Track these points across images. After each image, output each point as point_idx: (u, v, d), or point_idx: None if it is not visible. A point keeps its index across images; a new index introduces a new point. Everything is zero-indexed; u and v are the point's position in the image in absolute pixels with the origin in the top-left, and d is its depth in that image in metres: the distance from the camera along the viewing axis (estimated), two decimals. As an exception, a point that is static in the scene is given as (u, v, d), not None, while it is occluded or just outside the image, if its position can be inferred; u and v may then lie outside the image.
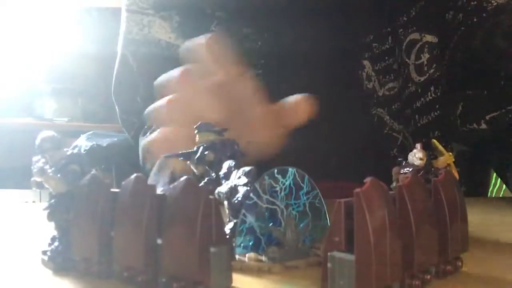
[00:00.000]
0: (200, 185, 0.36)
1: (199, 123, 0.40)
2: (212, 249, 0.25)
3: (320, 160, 0.64)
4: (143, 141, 0.47)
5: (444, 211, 0.29)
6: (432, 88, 0.61)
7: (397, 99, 0.63)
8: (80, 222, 0.30)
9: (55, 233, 0.32)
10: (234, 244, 0.32)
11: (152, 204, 0.27)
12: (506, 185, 0.71)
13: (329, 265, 0.25)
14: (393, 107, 0.63)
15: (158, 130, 0.46)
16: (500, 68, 0.60)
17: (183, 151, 0.39)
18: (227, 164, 0.34)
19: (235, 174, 0.33)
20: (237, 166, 0.33)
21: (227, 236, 0.31)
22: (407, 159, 0.35)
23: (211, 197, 0.26)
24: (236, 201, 0.32)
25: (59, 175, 0.31)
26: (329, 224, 0.33)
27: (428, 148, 0.35)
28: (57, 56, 2.34)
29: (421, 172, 0.34)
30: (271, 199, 0.32)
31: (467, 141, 0.65)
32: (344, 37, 0.64)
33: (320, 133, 0.66)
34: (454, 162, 0.35)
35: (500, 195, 1.47)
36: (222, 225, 0.27)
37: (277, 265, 0.32)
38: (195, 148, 0.39)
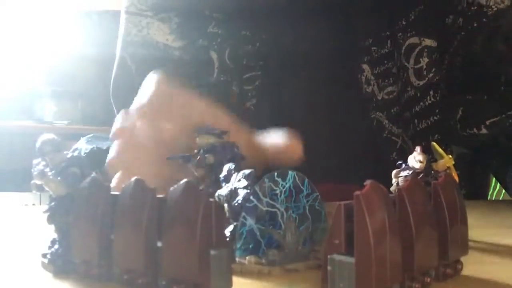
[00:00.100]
0: (200, 188, 0.36)
1: (197, 127, 0.40)
2: (212, 252, 0.25)
3: (319, 163, 0.64)
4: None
5: (444, 214, 0.29)
6: (431, 93, 0.61)
7: (396, 103, 0.63)
8: (80, 225, 0.30)
9: (55, 235, 0.32)
10: (234, 247, 0.32)
11: (152, 206, 0.27)
12: (505, 189, 0.71)
13: (329, 267, 0.25)
14: (392, 111, 0.63)
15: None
16: (500, 73, 0.61)
17: (183, 154, 0.40)
18: (227, 167, 0.34)
19: (235, 177, 0.33)
20: (237, 169, 0.33)
21: (227, 239, 0.31)
22: (406, 162, 0.35)
23: (211, 200, 0.26)
24: (236, 204, 0.32)
25: (59, 178, 0.31)
26: (329, 226, 0.33)
27: (428, 151, 0.35)
28: (57, 59, 2.34)
29: (421, 175, 0.34)
30: (271, 202, 0.32)
31: (466, 145, 0.65)
32: (343, 41, 0.64)
33: (319, 137, 0.66)
34: (454, 165, 0.35)
35: (500, 198, 1.47)
36: (222, 227, 0.27)
37: (277, 268, 0.32)
38: (195, 151, 0.39)
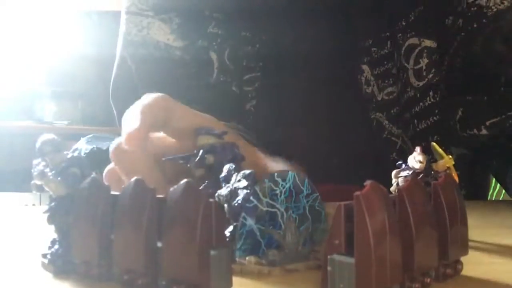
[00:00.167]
0: (200, 188, 0.36)
1: (197, 127, 0.40)
2: (212, 252, 0.25)
3: (319, 163, 0.64)
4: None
5: (444, 214, 0.29)
6: (431, 93, 0.61)
7: (396, 104, 0.63)
8: (80, 225, 0.30)
9: (55, 236, 0.32)
10: (234, 247, 0.32)
11: (152, 207, 0.27)
12: (505, 190, 0.71)
13: (329, 268, 0.25)
14: (392, 111, 0.63)
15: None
16: (500, 73, 0.61)
17: (182, 155, 0.39)
18: (227, 167, 0.34)
19: (235, 177, 0.33)
20: (237, 169, 0.33)
21: (227, 239, 0.31)
22: (406, 162, 0.35)
23: (211, 200, 0.26)
24: (236, 204, 0.32)
25: (59, 178, 0.31)
26: (329, 227, 0.33)
27: (427, 152, 0.35)
28: (57, 59, 2.34)
29: (421, 175, 0.34)
30: (271, 202, 0.32)
31: (466, 146, 0.65)
32: (343, 41, 0.64)
33: (319, 137, 0.66)
34: (454, 165, 0.35)
35: (500, 199, 1.47)
36: (222, 228, 0.27)
37: (277, 268, 0.32)
38: (195, 151, 0.39)
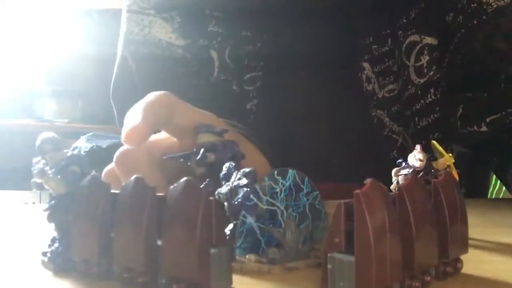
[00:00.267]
0: (201, 186, 0.36)
1: (198, 125, 0.40)
2: (212, 250, 0.25)
3: (320, 162, 0.64)
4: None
5: (444, 213, 0.29)
6: (432, 90, 0.61)
7: (396, 101, 0.63)
8: (80, 223, 0.30)
9: (55, 234, 0.32)
10: (234, 245, 0.32)
11: (152, 205, 0.27)
12: (506, 187, 0.71)
13: (329, 266, 0.25)
14: (393, 109, 0.63)
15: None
16: (501, 70, 0.60)
17: (182, 153, 0.39)
18: (227, 165, 0.34)
19: (235, 175, 0.33)
20: (237, 167, 0.33)
21: (227, 237, 0.31)
22: (406, 160, 0.35)
23: (211, 198, 0.26)
24: (236, 202, 0.32)
25: (59, 176, 0.31)
26: (329, 225, 0.33)
27: (428, 150, 0.35)
28: (57, 58, 2.34)
29: (421, 174, 0.34)
30: (271, 200, 0.32)
31: (467, 143, 0.65)
32: (343, 39, 0.64)
33: (319, 136, 0.66)
34: (454, 163, 0.35)
35: (500, 196, 1.47)
36: (222, 226, 0.27)
37: (277, 266, 0.32)
38: (194, 149, 0.39)
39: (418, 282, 0.27)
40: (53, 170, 0.31)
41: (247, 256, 0.32)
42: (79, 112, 2.37)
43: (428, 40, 0.60)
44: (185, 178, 0.26)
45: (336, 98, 0.66)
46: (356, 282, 0.24)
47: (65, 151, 0.32)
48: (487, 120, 0.60)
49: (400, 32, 0.62)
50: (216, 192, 0.32)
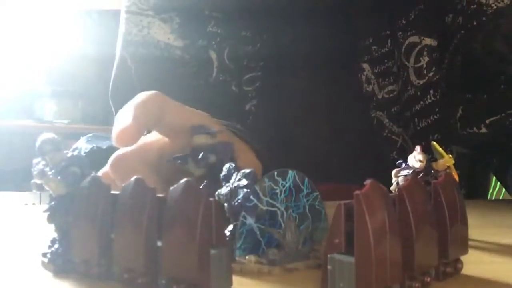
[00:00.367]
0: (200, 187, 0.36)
1: (193, 125, 0.40)
2: (212, 251, 0.25)
3: (319, 163, 0.64)
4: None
5: (444, 213, 0.29)
6: (431, 91, 0.61)
7: (396, 102, 0.63)
8: (80, 224, 0.30)
9: (55, 235, 0.32)
10: (234, 246, 0.32)
11: (152, 206, 0.27)
12: (505, 188, 0.71)
13: (329, 267, 0.25)
14: (393, 110, 0.63)
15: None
16: (500, 71, 0.61)
17: (179, 155, 0.39)
18: (227, 166, 0.34)
19: (235, 176, 0.33)
20: (237, 168, 0.33)
21: (227, 238, 0.31)
22: (406, 161, 0.35)
23: (211, 199, 0.26)
24: (236, 203, 0.32)
25: (59, 177, 0.31)
26: (329, 226, 0.33)
27: (428, 151, 0.35)
28: (57, 58, 2.34)
29: (421, 175, 0.34)
30: (271, 201, 0.32)
31: (466, 144, 0.65)
32: (343, 40, 0.64)
33: (319, 137, 0.66)
34: (454, 164, 0.35)
35: (500, 197, 1.47)
36: (222, 227, 0.27)
37: (277, 267, 0.32)
38: (190, 151, 0.38)
39: (418, 283, 0.27)
40: (53, 171, 0.31)
41: (247, 257, 0.32)
42: (79, 113, 2.37)
43: (428, 41, 0.60)
44: (185, 179, 0.26)
45: (335, 99, 0.66)
46: (356, 283, 0.24)
47: (65, 152, 0.32)
48: (487, 121, 0.60)
49: (400, 33, 0.62)
50: (216, 193, 0.32)
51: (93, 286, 0.29)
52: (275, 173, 0.33)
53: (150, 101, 0.41)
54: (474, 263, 0.32)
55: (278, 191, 0.33)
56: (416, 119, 0.61)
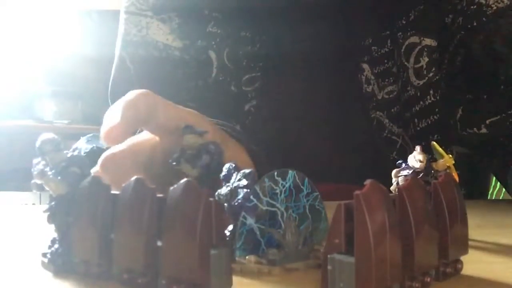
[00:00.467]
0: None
1: (183, 125, 0.39)
2: (212, 251, 0.25)
3: (320, 163, 0.64)
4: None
5: (444, 214, 0.29)
6: (431, 92, 0.61)
7: (396, 103, 0.63)
8: (80, 224, 0.30)
9: (55, 235, 0.32)
10: (234, 246, 0.32)
11: (152, 206, 0.27)
12: (505, 188, 0.71)
13: (329, 267, 0.25)
14: (393, 110, 0.63)
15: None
16: (500, 72, 0.61)
17: (172, 159, 0.39)
18: (227, 166, 0.34)
19: (235, 176, 0.33)
20: (237, 168, 0.33)
21: (227, 238, 0.31)
22: (406, 161, 0.35)
23: (211, 199, 0.26)
24: (236, 203, 0.32)
25: (59, 177, 0.31)
26: (329, 226, 0.33)
27: (428, 151, 0.35)
28: (57, 59, 2.34)
29: (421, 175, 0.34)
30: (271, 201, 0.32)
31: (466, 144, 0.65)
32: (343, 41, 0.64)
33: (319, 137, 0.66)
34: (454, 164, 0.35)
35: (500, 198, 1.47)
36: (222, 227, 0.27)
37: (277, 267, 0.32)
38: (179, 152, 0.38)
39: (418, 283, 0.27)
40: (53, 171, 0.31)
41: (247, 257, 0.32)
42: (79, 113, 2.37)
43: (428, 41, 0.60)
44: (185, 179, 0.26)
45: (335, 100, 0.66)
46: (356, 283, 0.24)
47: (65, 152, 0.32)
48: (487, 122, 0.60)
49: (400, 33, 0.62)
50: (216, 193, 0.32)
51: (93, 286, 0.29)
52: (275, 173, 0.33)
53: (139, 100, 0.41)
54: (474, 263, 0.32)
55: (278, 191, 0.33)
56: (416, 120, 0.61)
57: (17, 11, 2.30)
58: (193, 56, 0.66)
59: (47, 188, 0.31)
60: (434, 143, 0.36)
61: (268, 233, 0.32)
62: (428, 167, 0.34)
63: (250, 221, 0.32)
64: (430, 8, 0.61)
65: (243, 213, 0.32)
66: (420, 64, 0.61)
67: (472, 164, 0.72)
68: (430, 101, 0.61)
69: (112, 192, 0.29)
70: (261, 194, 0.32)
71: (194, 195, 0.26)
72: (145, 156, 0.42)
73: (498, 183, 1.12)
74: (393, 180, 0.35)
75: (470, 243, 0.32)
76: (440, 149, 0.35)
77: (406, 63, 0.62)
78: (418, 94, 0.61)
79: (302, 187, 0.34)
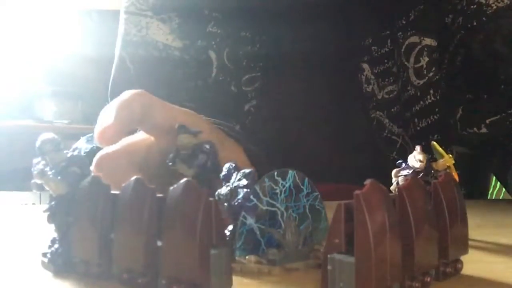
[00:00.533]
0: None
1: (177, 125, 0.39)
2: (212, 251, 0.25)
3: (320, 163, 0.64)
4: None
5: (444, 213, 0.29)
6: (431, 92, 0.61)
7: (396, 102, 0.63)
8: (80, 224, 0.30)
9: (55, 235, 0.32)
10: (234, 246, 0.32)
11: (152, 206, 0.27)
12: (505, 188, 0.71)
13: (329, 267, 0.25)
14: (393, 110, 0.63)
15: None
16: (500, 71, 0.61)
17: (168, 159, 0.39)
18: (227, 166, 0.34)
19: (235, 176, 0.33)
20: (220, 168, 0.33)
21: (227, 238, 0.31)
22: (406, 161, 0.35)
23: (211, 199, 0.26)
24: (236, 203, 0.32)
25: (59, 177, 0.31)
26: (329, 226, 0.33)
27: (428, 151, 0.35)
28: (57, 59, 2.34)
29: (421, 174, 0.34)
30: (271, 201, 0.32)
31: (466, 144, 0.65)
32: (343, 40, 0.64)
33: (319, 137, 0.66)
34: (454, 164, 0.35)
35: (500, 197, 1.47)
36: (222, 227, 0.27)
37: (277, 267, 0.32)
38: (174, 152, 0.38)
39: (418, 283, 0.27)
40: (53, 171, 0.31)
41: (247, 257, 0.32)
42: (79, 113, 2.37)
43: (428, 41, 0.60)
44: (185, 179, 0.26)
45: (335, 99, 0.66)
46: (356, 283, 0.24)
47: (65, 152, 0.32)
48: (487, 121, 0.60)
49: (400, 33, 0.62)
50: (216, 193, 0.32)
51: (93, 286, 0.29)
52: (275, 173, 0.33)
53: (134, 100, 0.41)
54: (474, 263, 0.32)
55: (278, 191, 0.33)
56: (416, 119, 0.61)
57: (17, 11, 2.30)
58: (193, 56, 0.66)
59: (47, 188, 0.31)
60: (434, 143, 0.36)
61: (268, 233, 0.32)
62: (428, 167, 0.34)
63: (250, 221, 0.32)
64: (430, 8, 0.61)
65: (243, 213, 0.32)
66: (420, 64, 0.61)
67: (472, 164, 0.72)
68: (430, 101, 0.61)
69: (112, 192, 0.29)
70: (261, 194, 0.32)
71: (194, 195, 0.26)
72: (141, 156, 0.42)
73: (498, 183, 1.12)
74: (393, 180, 0.35)
75: (470, 243, 0.32)
76: (440, 149, 0.35)
77: (406, 63, 0.62)
78: (418, 94, 0.61)
79: (302, 187, 0.34)
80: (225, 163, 0.34)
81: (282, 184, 0.33)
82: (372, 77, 0.63)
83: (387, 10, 0.63)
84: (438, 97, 0.61)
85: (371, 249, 0.24)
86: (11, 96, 2.31)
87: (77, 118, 2.34)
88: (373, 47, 0.63)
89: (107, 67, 0.79)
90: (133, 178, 0.28)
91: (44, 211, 0.32)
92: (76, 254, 0.30)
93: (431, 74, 0.60)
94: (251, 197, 0.31)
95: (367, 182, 0.25)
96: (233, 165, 0.34)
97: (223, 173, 0.34)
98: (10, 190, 0.76)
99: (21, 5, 2.30)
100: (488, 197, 0.93)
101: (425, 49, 0.60)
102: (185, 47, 0.66)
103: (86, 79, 2.31)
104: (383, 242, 0.24)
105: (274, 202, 0.32)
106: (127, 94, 0.41)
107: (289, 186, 0.33)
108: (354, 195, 0.24)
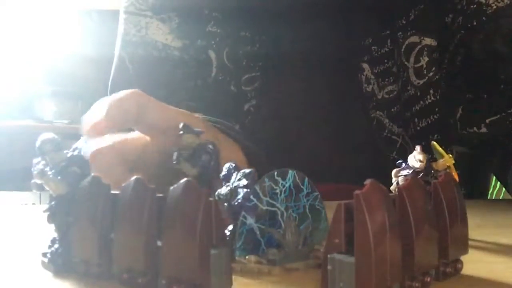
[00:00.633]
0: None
1: (181, 124, 0.39)
2: (212, 251, 0.25)
3: (320, 163, 0.64)
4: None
5: (444, 213, 0.29)
6: (431, 91, 0.61)
7: (396, 102, 0.63)
8: (80, 224, 0.30)
9: (55, 235, 0.32)
10: (234, 246, 0.32)
11: (152, 206, 0.27)
12: (505, 188, 0.71)
13: (329, 267, 0.25)
14: (393, 110, 0.63)
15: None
16: (500, 71, 0.61)
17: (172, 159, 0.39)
18: (227, 166, 0.34)
19: (235, 176, 0.33)
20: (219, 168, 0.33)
21: (227, 238, 0.31)
22: (406, 161, 0.35)
23: (211, 199, 0.26)
24: (236, 203, 0.32)
25: (59, 177, 0.31)
26: (329, 226, 0.33)
27: (428, 151, 0.35)
28: (57, 59, 2.34)
29: (421, 174, 0.34)
30: (271, 201, 0.32)
31: (466, 144, 0.65)
32: (343, 40, 0.64)
33: (319, 137, 0.66)
34: (454, 164, 0.35)
35: (500, 197, 1.47)
36: (222, 227, 0.27)
37: (277, 267, 0.32)
38: (176, 150, 0.38)
39: (418, 283, 0.27)
40: (53, 171, 0.31)
41: (247, 257, 0.32)
42: (79, 113, 2.35)
43: (428, 41, 0.60)
44: (185, 179, 0.26)
45: (335, 99, 0.66)
46: (356, 283, 0.24)
47: (65, 152, 0.32)
48: (487, 121, 0.60)
49: (400, 33, 0.62)
50: (216, 193, 0.32)
51: (93, 286, 0.29)
52: (275, 173, 0.33)
53: (128, 100, 0.41)
54: (474, 263, 0.32)
55: (278, 191, 0.33)
56: (416, 119, 0.61)
57: (17, 11, 2.30)
58: (193, 56, 0.66)
59: (47, 188, 0.31)
60: (434, 143, 0.36)
61: (268, 233, 0.32)
62: (428, 167, 0.34)
63: (250, 221, 0.32)
64: (430, 7, 0.61)
65: (243, 213, 0.32)
66: (420, 64, 0.61)
67: (472, 164, 0.72)
68: (430, 101, 0.61)
69: (112, 192, 0.29)
70: (261, 194, 0.32)
71: (194, 195, 0.26)
72: (135, 155, 0.42)
73: (498, 183, 1.12)
74: (393, 180, 0.35)
75: (470, 243, 0.32)
76: (440, 149, 0.35)
77: (406, 62, 0.61)
78: (418, 93, 0.61)
79: (302, 187, 0.34)
80: (223, 162, 0.34)
81: (282, 184, 0.33)
82: (372, 77, 0.63)
83: (387, 10, 0.63)
84: (438, 97, 0.61)
85: (371, 249, 0.24)
86: (11, 96, 2.31)
87: (77, 118, 2.32)
88: (373, 47, 0.63)
89: (107, 67, 0.79)
90: (133, 178, 0.28)
91: (44, 211, 0.32)
92: (76, 254, 0.30)
93: (431, 74, 0.60)
94: (251, 197, 0.31)
95: (367, 182, 0.25)
96: (233, 165, 0.34)
97: (223, 173, 0.34)
98: (10, 190, 0.76)
99: (21, 5, 2.30)
100: (488, 197, 0.93)
101: (425, 49, 0.60)
102: (185, 47, 0.66)
103: (86, 79, 2.31)
104: (383, 242, 0.24)
105: (274, 202, 0.32)
106: (122, 93, 0.41)
107: (289, 186, 0.33)
108: (354, 195, 0.24)
